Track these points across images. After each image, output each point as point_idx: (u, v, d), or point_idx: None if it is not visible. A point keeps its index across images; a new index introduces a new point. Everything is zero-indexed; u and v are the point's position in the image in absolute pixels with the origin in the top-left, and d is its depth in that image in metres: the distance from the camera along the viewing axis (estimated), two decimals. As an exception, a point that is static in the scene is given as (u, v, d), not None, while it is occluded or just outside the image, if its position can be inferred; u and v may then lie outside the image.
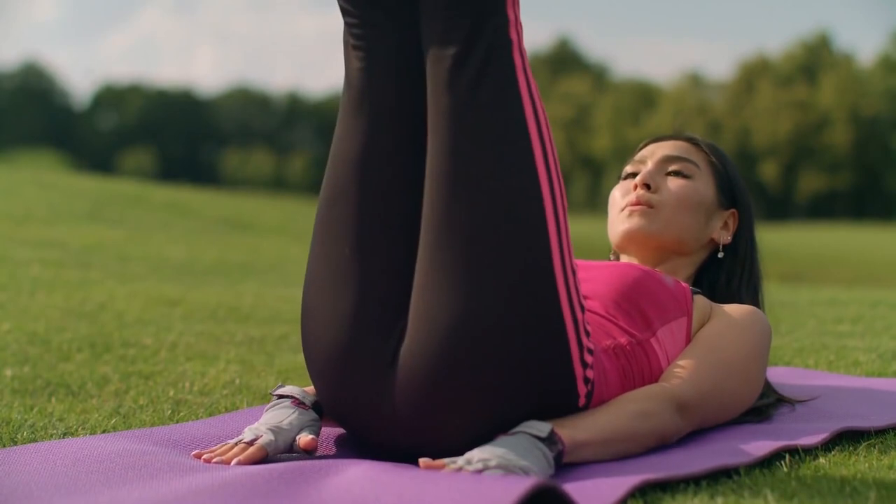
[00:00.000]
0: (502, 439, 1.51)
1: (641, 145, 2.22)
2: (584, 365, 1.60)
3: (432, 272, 1.54)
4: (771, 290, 2.25)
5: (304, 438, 1.65)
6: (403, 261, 1.59)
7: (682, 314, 1.89)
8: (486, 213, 1.52)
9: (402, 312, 1.59)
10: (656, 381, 1.81)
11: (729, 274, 2.11)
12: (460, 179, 1.54)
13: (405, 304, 1.59)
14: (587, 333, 1.60)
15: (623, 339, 1.78)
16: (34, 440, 1.85)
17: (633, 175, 2.16)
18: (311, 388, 1.79)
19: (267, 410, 1.75)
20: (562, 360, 1.56)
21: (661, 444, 1.72)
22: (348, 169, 1.63)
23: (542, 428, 1.53)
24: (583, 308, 1.59)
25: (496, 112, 1.54)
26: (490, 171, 1.53)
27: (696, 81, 52.79)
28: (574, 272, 1.59)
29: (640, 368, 1.79)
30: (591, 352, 1.61)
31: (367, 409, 1.62)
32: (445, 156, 1.55)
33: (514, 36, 1.56)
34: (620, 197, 2.14)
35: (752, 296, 2.11)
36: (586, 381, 1.61)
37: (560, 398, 1.59)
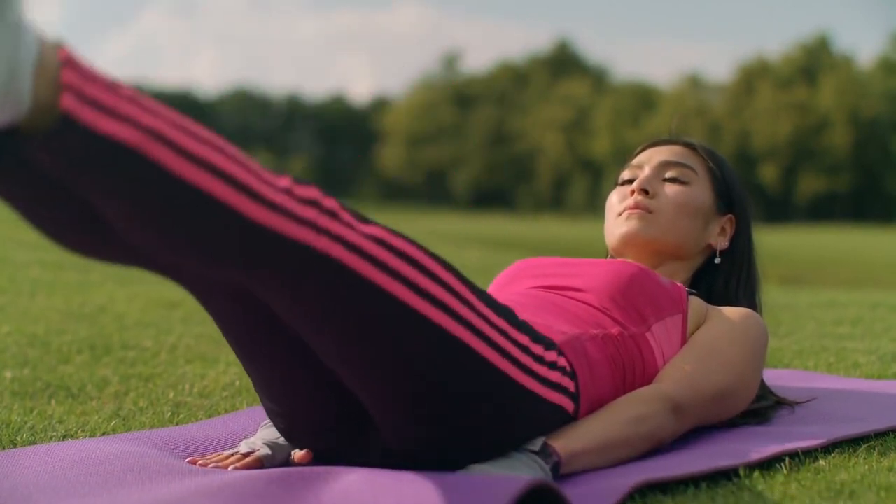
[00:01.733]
0: (501, 457, 1.52)
1: (638, 150, 2.21)
2: (554, 386, 1.58)
3: (372, 398, 1.50)
4: (770, 292, 2.25)
5: (300, 453, 1.64)
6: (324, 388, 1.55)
7: (678, 311, 1.89)
8: (385, 352, 1.43)
9: (353, 403, 1.56)
10: (649, 375, 1.81)
11: (726, 279, 2.11)
12: (346, 349, 1.44)
13: (360, 411, 1.56)
14: (539, 360, 1.56)
15: (614, 330, 1.77)
16: (34, 442, 1.85)
17: (630, 181, 2.16)
18: None
19: (262, 426, 1.75)
20: (528, 403, 1.54)
21: (658, 447, 1.72)
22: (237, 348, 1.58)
23: (534, 442, 1.54)
24: (522, 346, 1.54)
25: (357, 317, 1.40)
26: (384, 348, 1.43)
27: (695, 83, 52.81)
28: (495, 326, 1.50)
29: (632, 360, 1.78)
30: (553, 366, 1.59)
31: (349, 463, 1.62)
32: (324, 343, 1.45)
33: (335, 253, 1.34)
34: (618, 202, 2.14)
35: (749, 301, 2.10)
36: (564, 391, 1.60)
37: (546, 421, 1.59)
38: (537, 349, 1.57)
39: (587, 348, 1.69)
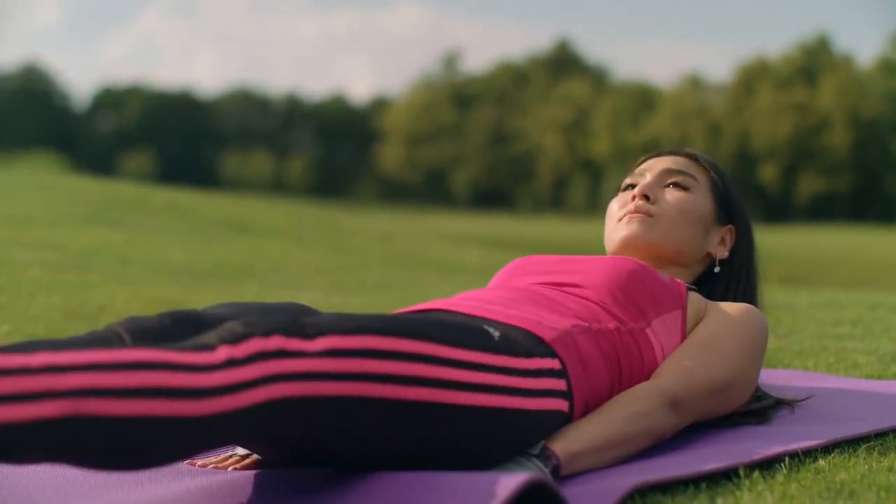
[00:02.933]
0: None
1: (641, 160, 2.22)
2: (542, 393, 1.58)
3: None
4: (770, 292, 2.25)
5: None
6: None
7: (677, 307, 1.89)
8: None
9: None
10: (648, 371, 1.81)
11: (724, 288, 2.11)
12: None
13: None
14: (521, 371, 1.56)
15: (611, 325, 1.78)
16: (34, 442, 1.84)
17: (632, 186, 2.16)
18: None
19: None
20: (517, 420, 1.54)
21: (657, 442, 1.72)
22: None
23: (533, 446, 1.55)
24: (503, 369, 1.54)
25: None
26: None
27: (695, 84, 52.82)
28: (461, 362, 1.49)
29: (629, 355, 1.77)
30: (539, 373, 1.59)
31: None
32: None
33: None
34: (618, 209, 2.14)
35: None
36: (554, 394, 1.60)
37: (544, 426, 1.59)
38: (519, 363, 1.56)
39: (578, 342, 1.69)
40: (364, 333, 1.39)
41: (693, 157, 2.17)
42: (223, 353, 1.29)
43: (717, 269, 2.12)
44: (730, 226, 2.14)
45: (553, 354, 1.63)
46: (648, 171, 2.15)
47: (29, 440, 1.17)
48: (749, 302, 2.11)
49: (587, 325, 1.73)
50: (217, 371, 1.27)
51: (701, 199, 2.11)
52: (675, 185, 2.11)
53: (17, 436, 1.16)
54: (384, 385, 1.39)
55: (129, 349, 1.26)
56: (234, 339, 1.31)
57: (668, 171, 2.12)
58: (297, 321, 1.38)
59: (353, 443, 1.41)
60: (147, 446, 1.24)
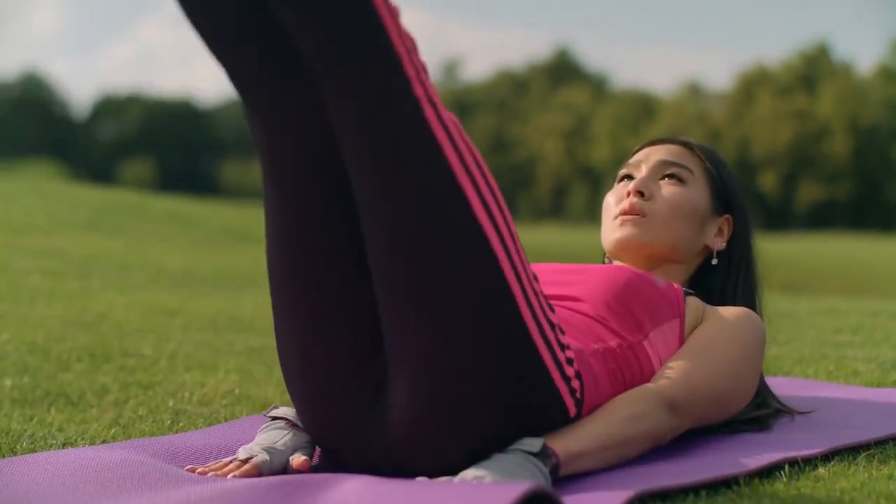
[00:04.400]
0: (496, 457, 1.51)
1: (636, 148, 2.21)
2: (566, 379, 1.59)
3: (398, 327, 1.53)
4: (771, 299, 2.24)
5: (298, 459, 1.64)
6: (361, 313, 1.57)
7: (675, 316, 1.89)
8: (434, 267, 1.49)
9: (373, 357, 1.58)
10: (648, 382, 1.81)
11: (723, 280, 2.11)
12: (398, 242, 1.50)
13: (373, 349, 1.58)
14: (563, 347, 1.59)
15: (613, 343, 1.78)
16: (33, 450, 1.84)
17: (627, 177, 2.16)
18: None
19: (261, 431, 1.75)
20: (542, 383, 1.56)
21: (656, 445, 1.72)
22: (281, 246, 1.59)
23: (534, 444, 1.53)
24: (552, 325, 1.58)
25: (421, 173, 1.48)
26: (429, 230, 1.49)
27: (695, 91, 52.83)
28: (536, 293, 1.56)
29: (632, 371, 1.78)
30: (570, 362, 1.61)
31: (353, 447, 1.62)
32: (376, 220, 1.51)
33: (419, 91, 1.47)
34: (614, 203, 2.14)
35: (747, 302, 2.10)
36: (572, 392, 1.61)
37: (550, 415, 1.59)
38: (561, 337, 1.60)
39: (591, 363, 1.70)
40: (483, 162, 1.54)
41: (688, 146, 2.16)
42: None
43: (714, 262, 2.11)
44: (727, 216, 2.13)
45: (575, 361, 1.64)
46: (644, 161, 2.14)
47: None
48: (749, 292, 2.11)
49: (596, 346, 1.74)
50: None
51: (696, 192, 2.10)
52: (671, 176, 2.10)
53: None
54: (465, 175, 1.49)
55: None
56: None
57: (664, 163, 2.12)
58: None
59: (415, 227, 1.48)
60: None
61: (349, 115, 1.47)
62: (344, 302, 1.58)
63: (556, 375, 1.57)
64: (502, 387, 1.53)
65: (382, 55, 1.44)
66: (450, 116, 1.50)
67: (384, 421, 1.57)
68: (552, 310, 1.60)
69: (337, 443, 1.65)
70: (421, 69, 1.48)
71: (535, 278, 1.58)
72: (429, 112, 1.47)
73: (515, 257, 1.53)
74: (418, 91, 1.47)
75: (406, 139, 1.47)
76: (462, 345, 1.50)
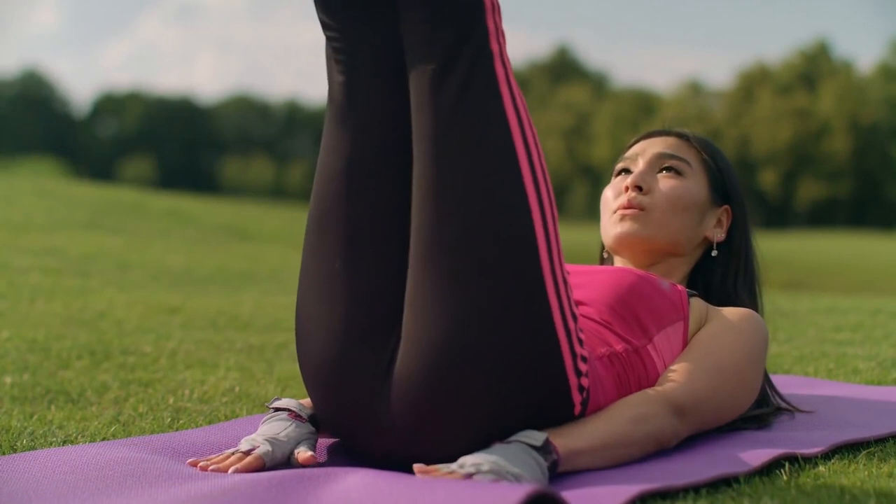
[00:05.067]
0: (497, 447, 1.51)
1: (633, 141, 2.21)
2: (578, 373, 1.59)
3: (422, 286, 1.54)
4: (771, 297, 2.24)
5: (304, 454, 1.64)
6: (394, 275, 1.59)
7: (679, 318, 1.89)
8: (473, 226, 1.51)
9: (394, 326, 1.59)
10: (652, 385, 1.81)
11: (724, 271, 2.10)
12: (447, 195, 1.53)
13: (397, 318, 1.59)
14: (580, 342, 1.60)
15: (619, 347, 1.78)
16: (33, 448, 1.84)
17: (625, 171, 2.15)
18: (307, 401, 1.79)
19: (264, 422, 1.75)
20: (555, 370, 1.56)
21: (660, 449, 1.72)
22: (335, 184, 1.62)
23: (536, 437, 1.53)
24: (575, 317, 1.58)
25: (480, 126, 1.53)
26: (476, 186, 1.52)
27: (695, 90, 52.84)
28: (566, 281, 1.58)
29: (637, 376, 1.78)
30: (584, 359, 1.61)
31: (361, 420, 1.62)
32: (431, 171, 1.54)
33: (495, 47, 1.55)
34: (613, 198, 2.13)
35: (748, 293, 2.10)
36: (581, 389, 1.61)
37: (555, 407, 1.59)
38: (580, 333, 1.60)
39: (597, 367, 1.70)
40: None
41: (685, 138, 2.15)
42: None
43: (714, 253, 2.11)
44: (725, 206, 2.13)
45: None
46: (641, 155, 2.13)
47: None
48: (750, 282, 2.11)
49: (602, 350, 1.74)
50: None
51: (694, 184, 2.09)
52: (668, 169, 2.10)
53: None
54: (524, 146, 1.56)
55: None
56: None
57: (661, 156, 2.11)
58: None
59: (466, 185, 1.52)
60: None
61: (429, 57, 1.54)
62: (378, 259, 1.60)
63: (569, 365, 1.57)
64: (515, 368, 1.52)
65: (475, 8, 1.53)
66: (516, 85, 1.56)
67: (392, 397, 1.57)
68: (575, 304, 1.61)
69: (344, 418, 1.64)
70: (500, 31, 1.56)
71: (564, 266, 1.59)
72: (499, 68, 1.55)
73: (553, 240, 1.56)
74: (494, 46, 1.55)
75: (474, 88, 1.53)
76: (483, 317, 1.50)
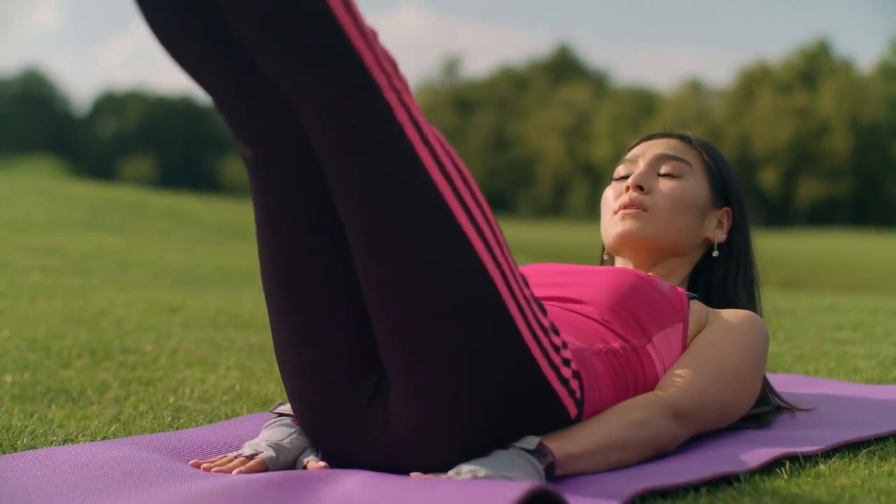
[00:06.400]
0: (494, 453, 1.52)
1: (633, 144, 2.20)
2: (564, 382, 1.59)
3: (388, 338, 1.53)
4: (771, 296, 2.24)
5: (314, 465, 1.64)
6: (359, 327, 1.57)
7: (679, 320, 1.88)
8: (424, 291, 1.48)
9: (370, 366, 1.58)
10: (651, 387, 1.80)
11: (724, 272, 2.10)
12: (384, 261, 1.49)
13: (371, 357, 1.58)
14: (556, 348, 1.58)
15: (616, 344, 1.77)
16: (34, 447, 1.85)
17: (626, 176, 2.15)
18: None
19: (266, 428, 1.75)
20: (539, 387, 1.55)
21: (658, 453, 1.71)
22: (275, 274, 1.59)
23: (530, 441, 1.54)
24: (545, 328, 1.56)
25: (403, 190, 1.46)
26: (413, 247, 1.47)
27: (696, 88, 52.80)
28: (527, 298, 1.55)
29: (634, 374, 1.78)
30: (567, 363, 1.60)
31: (352, 447, 1.62)
32: (359, 234, 1.50)
33: (401, 118, 1.46)
34: (613, 198, 2.13)
35: (748, 294, 2.10)
36: (571, 393, 1.60)
37: (550, 417, 1.59)
38: (556, 339, 1.58)
39: (593, 363, 1.69)
40: (465, 168, 1.52)
41: (686, 140, 2.15)
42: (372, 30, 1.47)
43: (715, 254, 2.11)
44: (726, 208, 2.13)
45: (574, 361, 1.63)
46: (641, 157, 2.13)
47: None
48: (749, 283, 2.11)
49: (599, 346, 1.73)
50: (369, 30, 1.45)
51: (695, 185, 2.09)
52: (669, 172, 2.09)
53: None
54: (458, 204, 1.48)
55: None
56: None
57: (661, 157, 2.11)
58: None
59: (401, 236, 1.46)
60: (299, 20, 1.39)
61: (333, 145, 1.46)
62: (337, 316, 1.58)
63: (552, 378, 1.56)
64: (499, 394, 1.52)
65: (361, 87, 1.42)
66: (433, 132, 1.49)
67: (383, 426, 1.57)
68: (544, 312, 1.59)
69: (335, 445, 1.64)
70: (403, 90, 1.47)
71: (525, 282, 1.57)
72: (412, 133, 1.46)
73: (503, 262, 1.52)
74: (401, 116, 1.45)
75: (390, 163, 1.46)
76: (453, 354, 1.49)
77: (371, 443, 1.59)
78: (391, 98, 1.44)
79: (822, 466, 1.68)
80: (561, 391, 1.58)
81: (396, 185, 1.46)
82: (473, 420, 1.53)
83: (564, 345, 1.61)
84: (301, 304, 1.59)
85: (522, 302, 1.53)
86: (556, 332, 1.60)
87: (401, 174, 1.46)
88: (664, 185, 2.08)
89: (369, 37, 1.44)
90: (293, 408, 1.70)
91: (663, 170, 2.09)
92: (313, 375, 1.61)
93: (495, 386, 1.52)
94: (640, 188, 2.08)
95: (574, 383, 1.61)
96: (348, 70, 1.42)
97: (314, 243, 1.56)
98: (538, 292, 1.93)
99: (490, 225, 1.52)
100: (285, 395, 2.35)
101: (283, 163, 1.55)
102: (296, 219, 1.56)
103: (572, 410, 1.61)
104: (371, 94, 1.43)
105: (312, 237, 1.56)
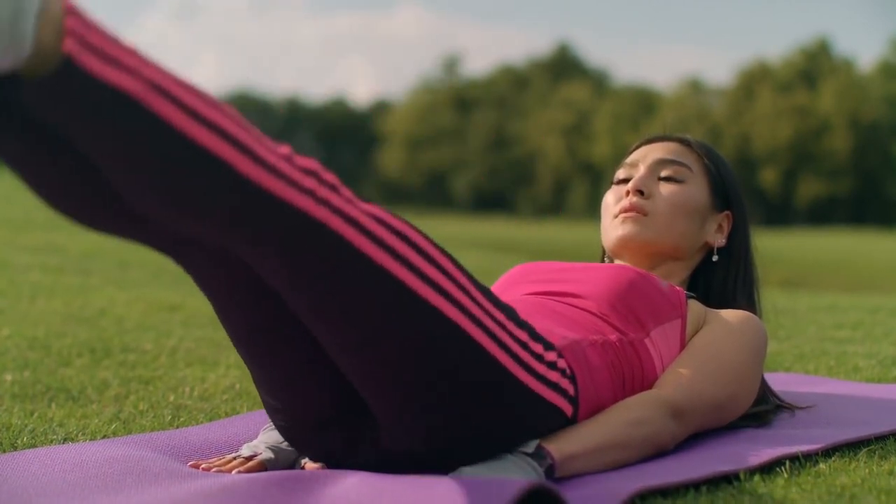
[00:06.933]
0: (493, 458, 1.52)
1: (633, 147, 2.19)
2: (552, 385, 1.58)
3: (362, 385, 1.49)
4: (771, 296, 2.24)
5: (312, 466, 1.64)
6: (334, 378, 1.54)
7: (677, 316, 1.88)
8: (395, 357, 1.44)
9: (353, 407, 1.56)
10: (649, 381, 1.80)
11: (724, 277, 2.10)
12: (349, 343, 1.44)
13: (353, 400, 1.55)
14: (538, 357, 1.56)
15: (613, 336, 1.77)
16: (34, 445, 1.85)
17: (626, 180, 2.14)
18: None
19: (265, 430, 1.75)
20: (527, 399, 1.54)
21: (657, 452, 1.71)
22: (243, 348, 1.57)
23: (528, 444, 1.54)
24: (521, 342, 1.54)
25: (341, 281, 1.39)
26: (368, 325, 1.42)
27: (696, 87, 52.79)
28: (497, 321, 1.51)
29: (631, 367, 1.77)
30: (553, 366, 1.59)
31: (346, 464, 1.61)
32: (325, 329, 1.45)
33: (336, 224, 1.36)
34: (613, 202, 2.13)
35: (747, 298, 2.10)
36: (563, 393, 1.60)
37: (545, 420, 1.59)
38: (536, 347, 1.57)
39: (588, 354, 1.69)
40: (409, 227, 1.43)
41: (686, 143, 2.14)
42: (286, 149, 1.34)
43: (715, 258, 2.11)
44: (727, 212, 2.13)
45: (563, 358, 1.63)
46: (641, 161, 2.12)
47: (95, 99, 1.20)
48: (749, 287, 2.11)
49: (594, 338, 1.73)
50: (277, 157, 1.31)
51: (695, 190, 2.09)
52: (670, 175, 2.09)
53: (90, 88, 1.19)
54: (412, 275, 1.40)
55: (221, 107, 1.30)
56: (298, 153, 1.36)
57: (662, 161, 2.10)
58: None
59: (363, 321, 1.41)
60: (182, 173, 1.25)
61: (276, 280, 1.40)
62: (312, 374, 1.54)
63: (538, 387, 1.55)
64: (484, 417, 1.51)
65: (262, 210, 1.31)
66: (368, 210, 1.41)
67: (373, 454, 1.57)
68: (519, 324, 1.55)
69: (328, 461, 1.64)
70: (330, 195, 1.36)
71: (495, 302, 1.52)
72: (337, 224, 1.36)
73: (465, 301, 1.47)
74: (318, 214, 1.34)
75: (333, 273, 1.38)
76: (435, 393, 1.47)
77: (364, 462, 1.59)
78: (321, 216, 1.34)
79: (822, 465, 1.68)
80: (550, 395, 1.57)
81: (346, 286, 1.39)
82: (467, 444, 1.52)
83: (549, 346, 1.59)
84: (268, 359, 1.55)
85: (493, 327, 1.50)
86: (538, 339, 1.58)
87: (347, 276, 1.38)
88: (664, 189, 2.08)
89: (279, 167, 1.32)
90: (285, 439, 1.68)
91: (664, 174, 2.09)
92: (291, 412, 1.59)
93: (484, 411, 1.51)
94: (640, 192, 2.07)
95: (565, 382, 1.60)
96: (281, 217, 1.32)
97: (280, 325, 1.50)
98: (536, 287, 1.93)
99: (448, 274, 1.46)
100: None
101: (216, 269, 1.47)
102: (242, 305, 1.50)
103: (567, 409, 1.61)
104: (302, 222, 1.33)
105: (278, 323, 1.50)
